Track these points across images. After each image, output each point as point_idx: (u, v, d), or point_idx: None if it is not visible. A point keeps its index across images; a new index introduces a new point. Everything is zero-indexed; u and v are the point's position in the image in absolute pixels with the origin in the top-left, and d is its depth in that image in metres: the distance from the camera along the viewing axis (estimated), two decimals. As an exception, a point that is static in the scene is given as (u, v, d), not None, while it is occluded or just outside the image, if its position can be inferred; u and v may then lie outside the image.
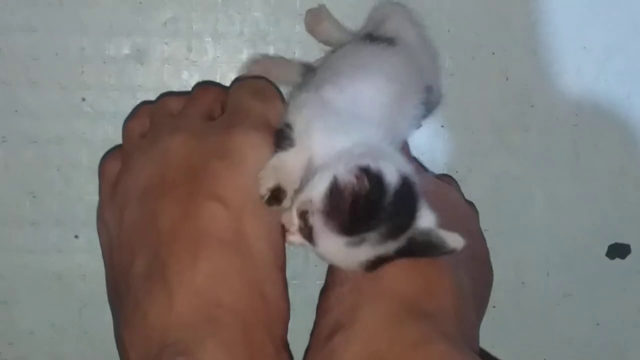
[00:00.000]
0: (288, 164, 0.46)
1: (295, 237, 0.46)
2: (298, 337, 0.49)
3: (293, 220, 0.45)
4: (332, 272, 0.50)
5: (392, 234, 0.43)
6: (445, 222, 0.50)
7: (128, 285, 0.46)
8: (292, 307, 0.48)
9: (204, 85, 0.55)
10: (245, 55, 0.57)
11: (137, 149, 0.50)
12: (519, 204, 0.60)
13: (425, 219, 0.44)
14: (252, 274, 0.46)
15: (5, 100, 0.56)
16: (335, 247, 0.44)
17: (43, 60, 0.56)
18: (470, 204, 0.56)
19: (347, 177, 0.43)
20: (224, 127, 0.48)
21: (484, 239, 0.56)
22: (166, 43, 0.57)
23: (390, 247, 0.44)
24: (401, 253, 0.44)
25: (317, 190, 0.44)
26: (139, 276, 0.45)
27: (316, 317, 0.48)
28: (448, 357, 0.43)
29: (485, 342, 0.52)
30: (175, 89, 0.57)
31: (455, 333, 0.45)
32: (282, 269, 0.48)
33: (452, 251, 0.45)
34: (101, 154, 0.54)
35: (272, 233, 0.47)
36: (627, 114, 0.60)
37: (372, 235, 0.43)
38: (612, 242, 0.61)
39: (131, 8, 0.56)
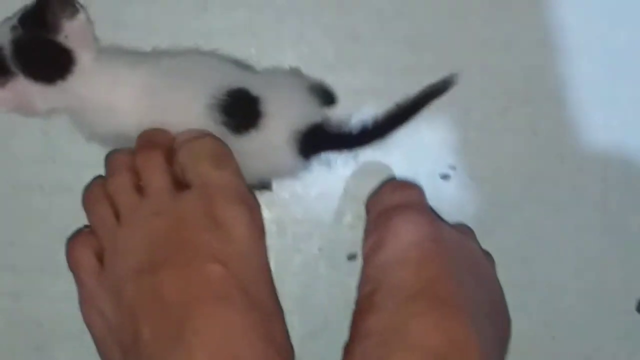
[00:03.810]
0: None
1: None
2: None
3: None
4: (356, 325, 0.50)
5: None
6: (462, 268, 0.50)
7: (138, 355, 0.47)
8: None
9: (147, 149, 0.52)
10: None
11: (117, 234, 0.51)
12: (548, 257, 0.60)
13: None
14: (264, 327, 0.47)
15: None
16: None
17: None
18: (487, 253, 0.57)
19: None
20: (201, 204, 0.50)
21: (500, 287, 0.56)
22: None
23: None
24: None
25: None
26: (150, 342, 0.47)
27: None
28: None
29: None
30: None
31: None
32: (282, 311, 0.51)
33: None
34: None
35: (269, 282, 0.51)
36: (656, 168, 0.60)
37: None
38: (642, 296, 0.61)
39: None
